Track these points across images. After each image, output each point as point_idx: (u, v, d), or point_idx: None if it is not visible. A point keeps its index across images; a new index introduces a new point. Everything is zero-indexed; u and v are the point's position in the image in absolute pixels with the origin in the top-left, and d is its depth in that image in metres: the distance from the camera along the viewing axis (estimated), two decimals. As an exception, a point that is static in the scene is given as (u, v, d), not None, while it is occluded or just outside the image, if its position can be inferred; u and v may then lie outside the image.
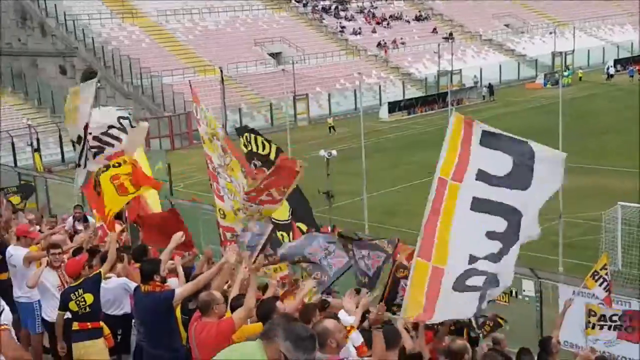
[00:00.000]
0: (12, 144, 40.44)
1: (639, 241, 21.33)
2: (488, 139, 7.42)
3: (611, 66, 65.43)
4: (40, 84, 52.49)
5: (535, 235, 7.44)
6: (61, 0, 56.42)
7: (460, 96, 57.26)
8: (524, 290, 17.03)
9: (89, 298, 8.74)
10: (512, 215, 7.29)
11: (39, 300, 10.04)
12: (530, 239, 7.46)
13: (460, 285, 7.08)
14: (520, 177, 7.27)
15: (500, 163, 7.31)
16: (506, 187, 7.25)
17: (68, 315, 8.85)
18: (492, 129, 7.55)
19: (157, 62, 53.94)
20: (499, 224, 7.26)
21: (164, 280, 8.13)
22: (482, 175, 7.29)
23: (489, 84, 59.55)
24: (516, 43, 73.32)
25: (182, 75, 53.30)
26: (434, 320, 7.35)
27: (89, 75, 51.16)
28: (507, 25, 76.60)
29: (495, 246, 7.24)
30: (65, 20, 55.46)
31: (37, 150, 40.71)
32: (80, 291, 8.75)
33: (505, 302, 15.81)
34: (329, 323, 5.81)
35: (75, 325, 8.82)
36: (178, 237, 8.60)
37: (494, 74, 63.77)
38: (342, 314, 7.12)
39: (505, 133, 7.57)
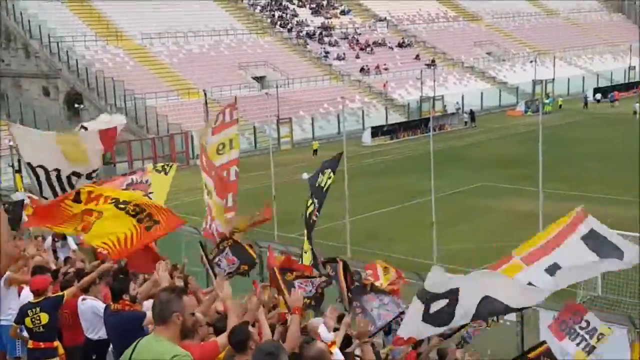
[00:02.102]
0: (-7, 165, 40.18)
1: (618, 267, 21.48)
2: (591, 239, 7.00)
3: (588, 96, 66.33)
4: (23, 105, 52.32)
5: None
6: (46, 21, 56.47)
7: (443, 122, 57.77)
8: (505, 315, 17.11)
9: (44, 317, 8.69)
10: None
11: None
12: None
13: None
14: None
15: (581, 259, 6.91)
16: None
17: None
18: (600, 229, 7.11)
19: (141, 84, 53.99)
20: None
21: (133, 300, 8.13)
22: (555, 268, 6.89)
23: (471, 110, 60.16)
24: (497, 71, 74.24)
25: (165, 97, 53.37)
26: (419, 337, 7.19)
27: (74, 99, 51.18)
28: (488, 53, 77.60)
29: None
30: (50, 42, 55.45)
31: (19, 171, 40.41)
32: (37, 309, 8.73)
33: (487, 326, 15.86)
34: (321, 345, 5.85)
35: (30, 344, 8.81)
36: (163, 266, 8.51)
37: (476, 100, 64.45)
38: (322, 330, 7.13)
39: (611, 236, 7.05)
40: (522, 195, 31.16)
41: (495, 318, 16.07)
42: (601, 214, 26.59)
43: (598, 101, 65.65)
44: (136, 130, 51.09)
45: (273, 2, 74.41)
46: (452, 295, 6.61)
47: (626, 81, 75.57)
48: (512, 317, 17.58)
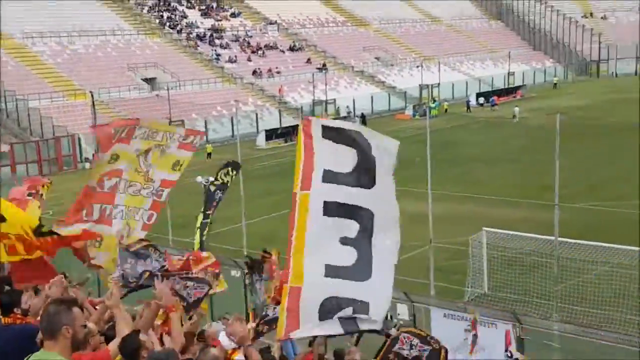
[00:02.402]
0: None
1: (503, 265, 22.58)
2: (329, 133, 6.86)
3: (471, 100, 69.14)
4: None
5: (395, 243, 7.05)
6: None
7: (334, 125, 58.51)
8: (399, 314, 17.57)
9: None
10: (363, 216, 6.83)
11: None
12: (393, 252, 7.08)
13: (320, 299, 6.71)
14: (364, 172, 6.86)
15: (344, 158, 6.80)
16: (353, 187, 6.78)
17: None
18: (331, 123, 7.05)
19: (23, 85, 51.64)
20: (351, 228, 6.82)
21: (25, 313, 7.82)
22: (328, 176, 6.79)
23: (362, 114, 61.38)
24: (386, 75, 76.12)
25: (50, 99, 51.29)
26: (299, 334, 6.95)
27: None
28: (377, 58, 79.42)
29: (351, 255, 6.84)
30: None
31: None
32: None
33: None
34: (216, 351, 5.85)
35: None
36: (58, 281, 8.14)
37: (366, 104, 65.79)
38: (222, 338, 7.13)
39: (344, 125, 7.10)
40: (411, 197, 32.08)
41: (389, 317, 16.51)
42: (488, 214, 27.94)
43: (481, 105, 68.57)
44: (18, 132, 48.83)
45: (161, 3, 73.07)
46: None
47: (506, 86, 79.33)
48: (405, 316, 18.12)
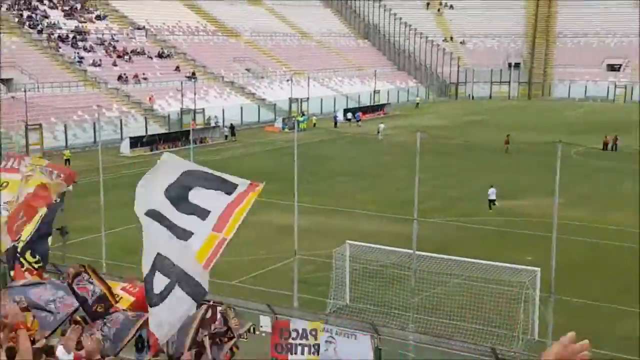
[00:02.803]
0: None
1: (364, 277, 23.19)
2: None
3: (338, 115, 70.64)
4: None
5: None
6: None
7: (204, 135, 57.99)
8: (262, 326, 17.61)
9: None
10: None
11: None
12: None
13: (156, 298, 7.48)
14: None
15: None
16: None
17: None
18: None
19: None
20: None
21: None
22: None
23: (231, 124, 61.15)
24: (256, 87, 76.34)
25: None
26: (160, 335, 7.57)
27: None
28: (248, 70, 79.53)
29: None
30: None
31: None
32: None
33: (244, 338, 16.22)
34: None
35: None
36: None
37: (236, 115, 65.64)
38: (59, 351, 7.00)
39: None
40: (278, 209, 32.29)
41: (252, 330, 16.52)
42: (352, 227, 28.63)
43: (348, 120, 70.25)
44: None
45: (22, 1, 69.52)
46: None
47: (372, 103, 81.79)
48: (268, 327, 18.16)
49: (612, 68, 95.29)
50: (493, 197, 34.54)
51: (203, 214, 7.68)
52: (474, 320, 20.10)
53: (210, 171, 8.01)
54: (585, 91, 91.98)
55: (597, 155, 47.68)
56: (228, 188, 7.92)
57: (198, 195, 7.76)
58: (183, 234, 7.61)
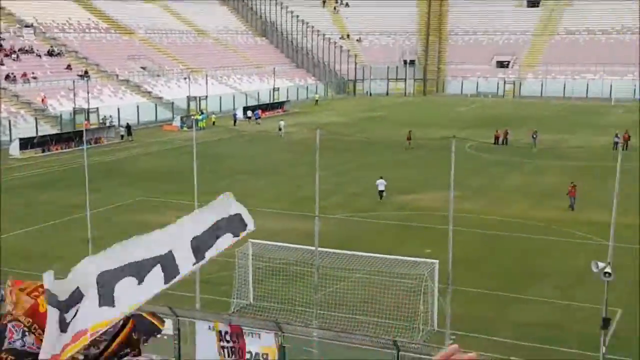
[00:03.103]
0: None
1: (268, 275, 23.16)
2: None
3: (237, 114, 70.13)
4: None
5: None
6: None
7: (99, 135, 56.24)
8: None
9: None
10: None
11: None
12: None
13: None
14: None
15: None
16: None
17: None
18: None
19: None
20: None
21: None
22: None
23: (127, 124, 59.56)
24: (153, 85, 74.72)
25: None
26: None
27: None
28: (143, 68, 77.72)
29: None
30: None
31: None
32: None
33: (146, 342, 15.83)
34: None
35: None
36: None
37: (132, 114, 64.03)
38: None
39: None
40: (178, 209, 31.77)
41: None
42: (258, 226, 28.28)
43: (249, 118, 69.90)
44: None
45: None
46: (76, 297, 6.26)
47: (271, 101, 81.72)
48: (169, 330, 17.84)
49: (501, 65, 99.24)
50: (382, 187, 35.72)
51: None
52: (376, 314, 20.44)
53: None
54: (477, 87, 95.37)
55: (489, 149, 49.53)
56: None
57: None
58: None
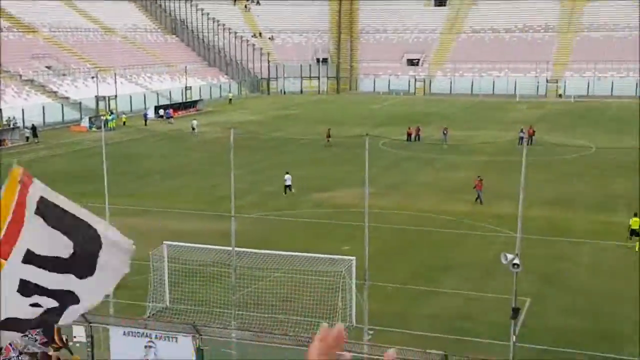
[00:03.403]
0: None
1: (184, 277, 22.80)
2: (46, 211, 5.38)
3: (148, 113, 68.74)
4: None
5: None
6: None
7: (2, 137, 53.98)
8: (75, 337, 16.76)
9: None
10: (67, 299, 6.00)
11: None
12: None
13: None
14: (80, 264, 5.49)
15: (57, 246, 5.42)
16: (61, 273, 5.49)
17: None
18: (54, 199, 5.38)
19: None
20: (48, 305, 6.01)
21: None
22: (30, 257, 5.42)
23: (33, 125, 57.39)
24: (59, 85, 72.26)
25: None
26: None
27: None
28: (48, 67, 75.05)
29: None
30: None
31: None
32: None
33: (57, 350, 15.32)
34: None
35: None
36: None
37: (38, 115, 61.75)
38: None
39: (70, 208, 5.35)
40: (90, 212, 30.89)
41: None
42: (169, 227, 27.99)
43: (161, 117, 68.65)
44: None
45: None
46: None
47: (184, 100, 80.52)
48: (82, 338, 17.32)
49: (412, 63, 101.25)
50: (289, 182, 36.10)
51: None
52: (295, 312, 20.47)
53: None
54: (389, 85, 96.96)
55: (402, 146, 50.45)
56: None
57: None
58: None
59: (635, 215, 27.65)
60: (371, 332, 19.23)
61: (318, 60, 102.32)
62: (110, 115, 63.73)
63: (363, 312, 19.11)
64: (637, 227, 27.07)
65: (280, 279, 21.90)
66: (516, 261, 17.53)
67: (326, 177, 40.21)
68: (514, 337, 17.79)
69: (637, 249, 26.40)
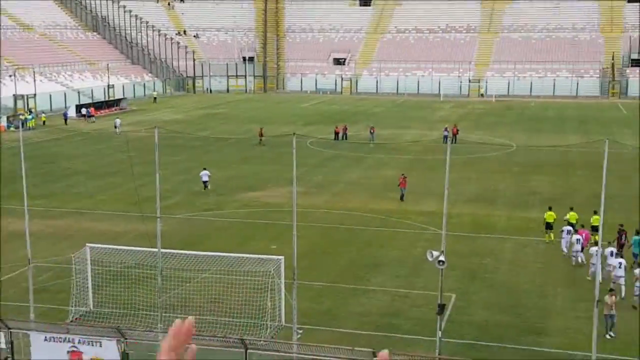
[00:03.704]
0: None
1: (108, 280, 22.25)
2: None
3: (68, 112, 66.69)
4: None
5: None
6: None
7: None
8: (-4, 344, 16.20)
9: None
10: None
11: None
12: None
13: None
14: None
15: None
16: None
17: None
18: None
19: None
20: None
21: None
22: None
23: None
24: (-26, 83, 69.44)
25: None
26: None
27: None
28: (-38, 63, 72.02)
29: None
30: None
31: None
32: None
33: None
34: None
35: None
36: None
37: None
38: None
39: None
40: (7, 214, 29.81)
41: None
42: (92, 229, 27.32)
43: (84, 116, 66.82)
44: None
45: None
46: None
47: (106, 99, 78.56)
48: (2, 344, 16.72)
49: (338, 62, 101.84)
50: (205, 178, 36.46)
51: None
52: (224, 313, 20.26)
53: None
54: (316, 84, 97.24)
55: (329, 145, 50.67)
56: None
57: None
58: None
59: (550, 209, 28.64)
60: (300, 331, 19.23)
61: (244, 58, 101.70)
62: (29, 115, 61.69)
63: (292, 311, 19.08)
64: (552, 221, 28.12)
65: (208, 280, 21.63)
66: (442, 258, 17.84)
67: (254, 177, 40.00)
68: (440, 332, 18.11)
69: (551, 237, 27.63)
